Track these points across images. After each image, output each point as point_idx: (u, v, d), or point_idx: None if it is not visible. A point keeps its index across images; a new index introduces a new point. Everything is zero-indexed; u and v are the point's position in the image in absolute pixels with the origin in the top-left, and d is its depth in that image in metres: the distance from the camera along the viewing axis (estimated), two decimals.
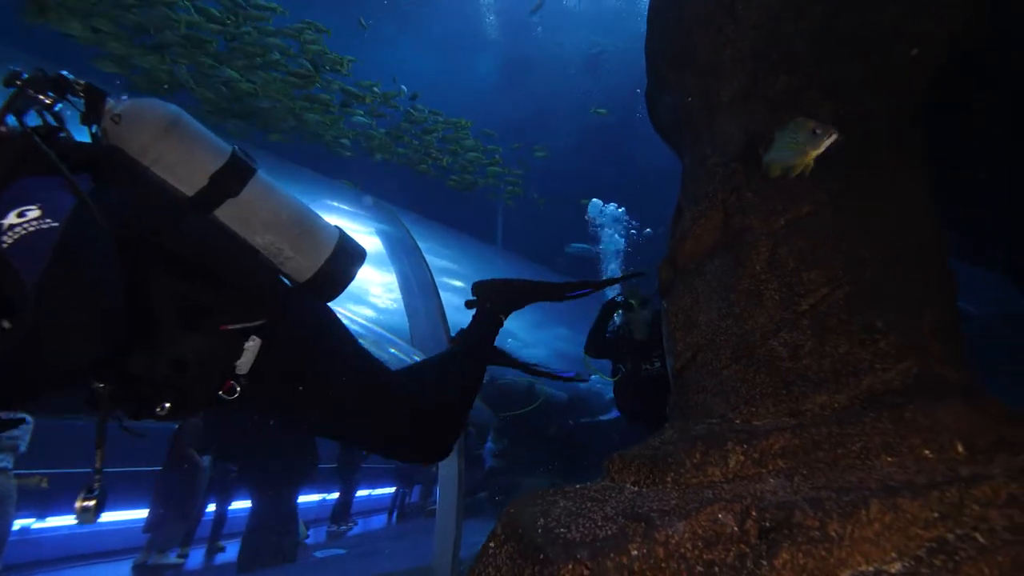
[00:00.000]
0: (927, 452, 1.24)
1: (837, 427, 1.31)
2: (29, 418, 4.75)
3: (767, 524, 1.03)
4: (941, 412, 1.30)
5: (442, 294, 4.91)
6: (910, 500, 1.05)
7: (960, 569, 0.94)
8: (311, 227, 1.38)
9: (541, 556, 1.00)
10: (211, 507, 5.86)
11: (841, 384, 1.46)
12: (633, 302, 3.76)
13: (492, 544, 1.20)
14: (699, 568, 0.97)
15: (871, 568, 0.98)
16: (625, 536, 1.01)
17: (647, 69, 2.58)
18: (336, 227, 1.46)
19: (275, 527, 3.83)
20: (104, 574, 5.57)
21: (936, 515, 1.03)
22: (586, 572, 0.94)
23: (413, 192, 9.64)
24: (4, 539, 4.65)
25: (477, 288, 1.87)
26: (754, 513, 1.05)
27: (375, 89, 7.47)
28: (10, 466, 4.72)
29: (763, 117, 2.01)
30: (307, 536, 6.59)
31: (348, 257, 1.43)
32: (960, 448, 1.24)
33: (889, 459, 1.23)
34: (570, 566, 0.95)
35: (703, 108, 2.21)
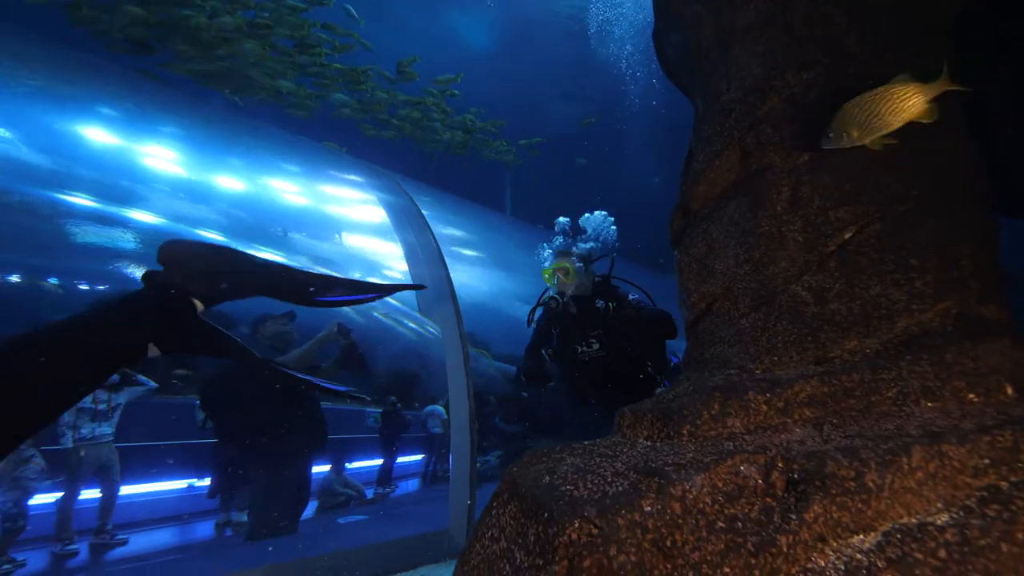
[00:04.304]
0: (972, 396, 1.12)
1: (870, 372, 1.19)
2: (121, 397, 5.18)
3: (795, 476, 0.93)
4: (986, 353, 1.18)
5: (454, 264, 4.79)
6: (957, 446, 0.94)
7: (1017, 519, 0.83)
8: None
9: (545, 515, 0.92)
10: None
11: (873, 328, 1.33)
12: (568, 265, 2.97)
13: (495, 504, 1.12)
14: (720, 524, 0.88)
15: (914, 520, 0.88)
16: (637, 492, 0.92)
17: (654, 5, 2.38)
18: None
19: (281, 499, 3.86)
20: (182, 535, 5.92)
21: (987, 461, 0.92)
22: (594, 531, 0.85)
23: (416, 160, 9.45)
24: (113, 503, 5.18)
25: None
26: (780, 464, 0.96)
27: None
28: (111, 435, 5.17)
29: (783, 46, 1.84)
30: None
31: None
32: (1009, 390, 1.12)
33: (930, 404, 1.12)
34: (576, 524, 0.86)
35: (717, 41, 2.03)
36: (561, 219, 3.46)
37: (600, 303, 2.92)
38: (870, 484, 0.90)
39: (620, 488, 0.95)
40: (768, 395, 1.18)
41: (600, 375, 3.01)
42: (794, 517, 0.87)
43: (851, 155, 1.58)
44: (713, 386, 1.25)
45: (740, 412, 1.16)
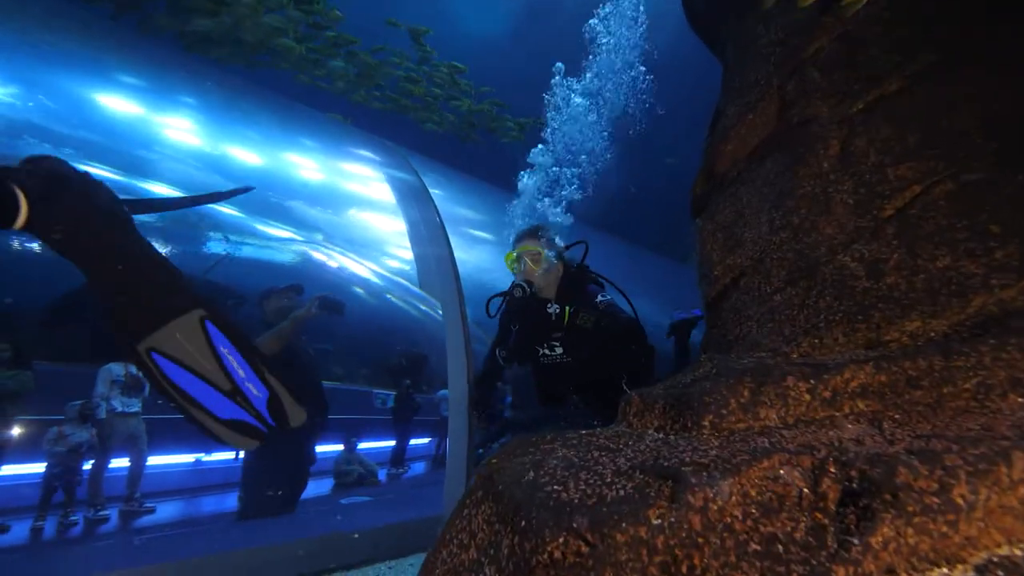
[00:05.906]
0: None
1: (941, 359, 0.95)
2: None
3: (854, 485, 0.71)
4: None
5: (465, 244, 4.56)
6: None
7: None
8: None
9: (523, 523, 0.71)
10: None
11: (940, 306, 1.09)
12: (539, 248, 2.50)
13: (467, 503, 0.91)
14: (754, 546, 0.66)
15: (1018, 552, 0.65)
16: (644, 498, 0.71)
17: None
18: None
19: (276, 477, 3.72)
20: (209, 504, 6.02)
21: None
22: (584, 549, 0.64)
23: (432, 139, 9.19)
24: (140, 474, 5.34)
25: None
26: (833, 469, 0.73)
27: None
28: (140, 409, 5.22)
29: None
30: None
31: None
32: None
33: (1021, 400, 0.88)
34: (561, 539, 0.65)
35: None
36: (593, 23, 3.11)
37: (553, 307, 2.47)
38: (959, 500, 0.67)
39: (622, 492, 0.73)
40: (812, 382, 0.95)
41: (567, 381, 2.62)
42: (855, 541, 0.65)
43: (918, 101, 1.33)
44: (742, 369, 1.02)
45: (777, 401, 0.93)
